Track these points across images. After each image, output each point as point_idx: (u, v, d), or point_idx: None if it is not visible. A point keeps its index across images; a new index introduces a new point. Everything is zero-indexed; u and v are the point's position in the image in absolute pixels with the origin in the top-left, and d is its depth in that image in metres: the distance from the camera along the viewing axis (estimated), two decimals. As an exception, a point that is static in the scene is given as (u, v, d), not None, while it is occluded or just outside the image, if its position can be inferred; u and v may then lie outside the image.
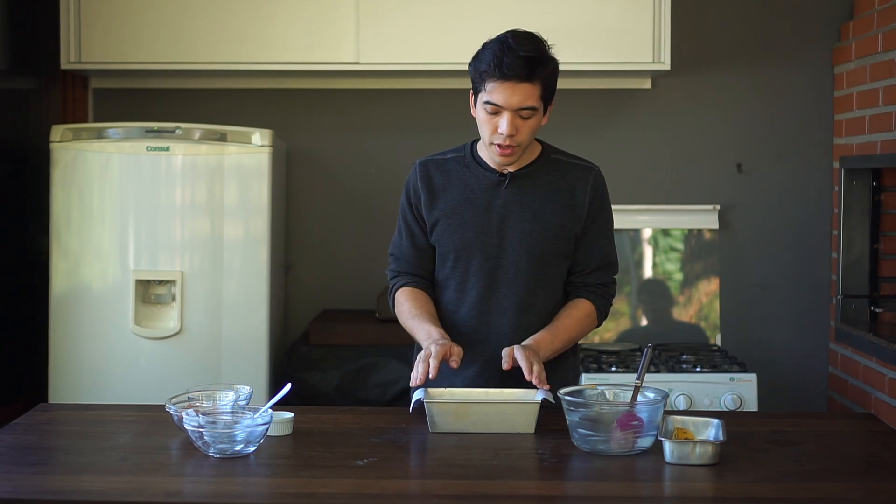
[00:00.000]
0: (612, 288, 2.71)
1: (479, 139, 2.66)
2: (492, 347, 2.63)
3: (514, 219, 2.61)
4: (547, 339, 2.57)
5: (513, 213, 2.61)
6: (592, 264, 2.67)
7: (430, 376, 2.40)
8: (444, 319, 2.67)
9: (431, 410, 2.35)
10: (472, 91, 2.58)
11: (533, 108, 2.51)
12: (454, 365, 2.45)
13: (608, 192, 2.70)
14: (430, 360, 2.41)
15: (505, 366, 2.46)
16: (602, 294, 2.68)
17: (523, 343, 2.53)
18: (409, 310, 2.63)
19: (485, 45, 2.54)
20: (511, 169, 2.62)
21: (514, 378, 2.60)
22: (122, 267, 3.76)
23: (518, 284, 2.62)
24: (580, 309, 2.65)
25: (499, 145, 2.53)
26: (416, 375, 2.42)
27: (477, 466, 2.13)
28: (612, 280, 2.72)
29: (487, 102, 2.50)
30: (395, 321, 2.74)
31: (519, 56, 2.46)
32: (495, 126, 2.52)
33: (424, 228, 2.68)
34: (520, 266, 2.62)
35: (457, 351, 2.46)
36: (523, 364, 2.42)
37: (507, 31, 2.54)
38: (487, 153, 2.63)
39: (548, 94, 2.54)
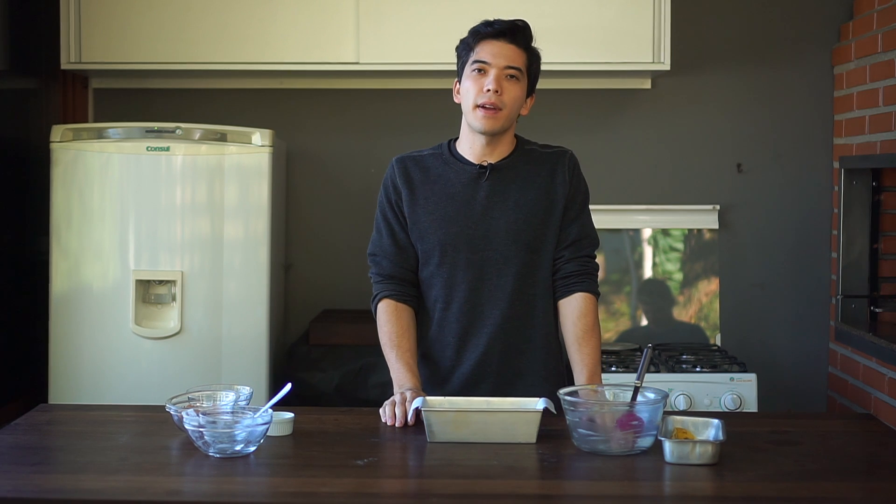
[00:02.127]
0: (595, 263, 2.71)
1: (455, 138, 2.70)
2: (485, 339, 2.64)
3: (497, 209, 2.62)
4: (591, 376, 2.59)
5: (495, 203, 2.63)
6: (571, 237, 2.67)
7: (409, 421, 2.41)
8: (433, 317, 2.68)
9: (429, 419, 2.30)
10: (456, 80, 2.65)
11: (519, 71, 2.58)
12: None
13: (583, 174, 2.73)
14: (406, 405, 2.43)
15: None
16: (589, 272, 2.68)
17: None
18: (388, 336, 2.63)
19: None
20: (490, 160, 2.64)
21: (513, 370, 2.64)
22: (122, 267, 3.76)
23: (509, 274, 2.62)
24: (589, 315, 2.64)
25: (483, 106, 2.57)
26: (398, 417, 2.42)
27: (477, 466, 2.13)
28: (593, 254, 2.71)
29: (476, 61, 2.58)
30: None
31: (505, 21, 2.62)
32: (481, 86, 2.58)
33: (405, 225, 2.67)
34: (508, 255, 2.62)
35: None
36: None
37: None
38: (467, 146, 2.65)
39: (531, 71, 2.63)
